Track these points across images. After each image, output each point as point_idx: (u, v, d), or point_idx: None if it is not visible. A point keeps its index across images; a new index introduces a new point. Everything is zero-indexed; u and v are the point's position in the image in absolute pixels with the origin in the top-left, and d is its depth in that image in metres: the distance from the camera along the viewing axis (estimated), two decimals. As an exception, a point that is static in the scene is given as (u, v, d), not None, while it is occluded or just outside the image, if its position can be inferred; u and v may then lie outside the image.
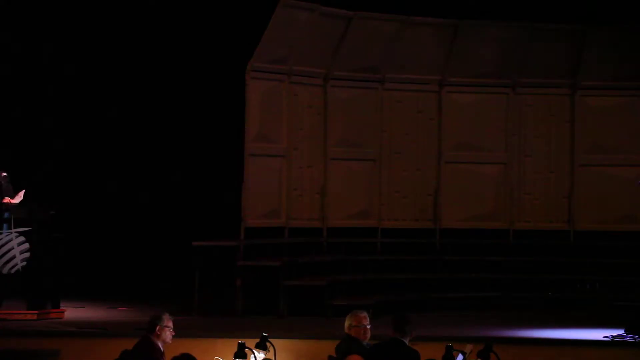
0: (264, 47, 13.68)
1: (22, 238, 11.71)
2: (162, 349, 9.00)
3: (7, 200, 11.87)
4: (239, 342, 9.24)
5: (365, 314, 9.25)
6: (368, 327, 9.20)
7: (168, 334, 9.03)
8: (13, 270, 11.65)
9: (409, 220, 14.89)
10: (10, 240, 11.67)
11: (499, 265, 14.66)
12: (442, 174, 15.00)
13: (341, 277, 13.80)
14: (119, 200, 14.19)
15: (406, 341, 9.06)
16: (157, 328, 8.96)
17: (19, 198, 11.83)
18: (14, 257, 11.67)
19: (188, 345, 9.46)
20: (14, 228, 11.66)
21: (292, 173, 14.24)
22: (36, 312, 11.66)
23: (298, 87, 14.31)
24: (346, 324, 9.19)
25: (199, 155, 13.83)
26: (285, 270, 13.24)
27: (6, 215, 11.73)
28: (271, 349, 9.35)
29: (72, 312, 12.24)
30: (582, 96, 15.12)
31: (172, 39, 13.97)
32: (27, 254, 11.67)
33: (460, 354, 9.17)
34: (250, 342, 9.34)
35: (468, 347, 9.34)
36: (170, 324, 9.03)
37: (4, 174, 12.01)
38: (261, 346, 9.36)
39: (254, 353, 9.32)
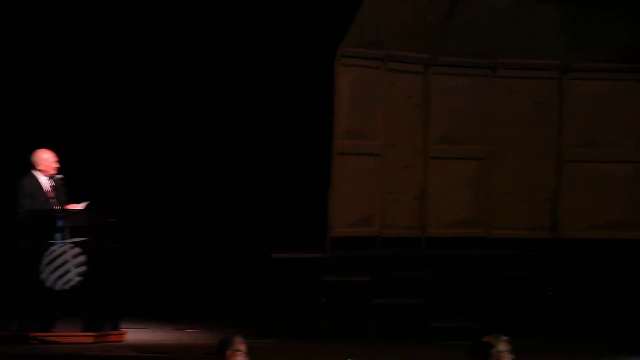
0: (356, 30, 13.21)
1: (77, 249, 11.18)
2: (233, 376, 8.57)
3: (70, 206, 11.38)
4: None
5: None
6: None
7: (240, 360, 8.65)
8: (67, 286, 11.12)
9: (522, 228, 14.14)
10: (65, 252, 11.17)
11: (637, 282, 13.59)
12: (563, 174, 14.17)
13: (443, 295, 13.28)
14: (188, 206, 13.95)
15: None
16: (228, 353, 8.01)
17: (79, 207, 11.37)
18: (68, 271, 11.16)
19: (264, 373, 9.09)
20: (69, 238, 11.17)
21: (387, 174, 13.70)
22: (93, 334, 11.20)
23: (395, 75, 13.75)
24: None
25: (280, 154, 13.57)
26: (377, 286, 13.02)
27: (60, 223, 11.19)
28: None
29: (134, 335, 11.72)
30: None
31: (253, 20, 13.61)
32: (83, 268, 11.15)
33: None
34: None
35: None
36: (243, 348, 8.07)
37: (59, 176, 11.46)
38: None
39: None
